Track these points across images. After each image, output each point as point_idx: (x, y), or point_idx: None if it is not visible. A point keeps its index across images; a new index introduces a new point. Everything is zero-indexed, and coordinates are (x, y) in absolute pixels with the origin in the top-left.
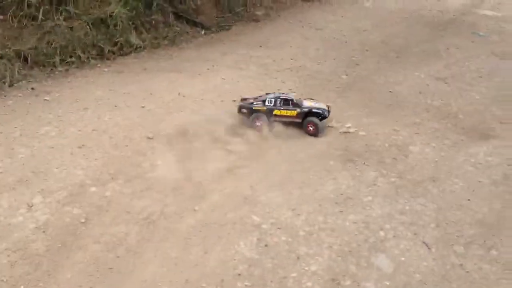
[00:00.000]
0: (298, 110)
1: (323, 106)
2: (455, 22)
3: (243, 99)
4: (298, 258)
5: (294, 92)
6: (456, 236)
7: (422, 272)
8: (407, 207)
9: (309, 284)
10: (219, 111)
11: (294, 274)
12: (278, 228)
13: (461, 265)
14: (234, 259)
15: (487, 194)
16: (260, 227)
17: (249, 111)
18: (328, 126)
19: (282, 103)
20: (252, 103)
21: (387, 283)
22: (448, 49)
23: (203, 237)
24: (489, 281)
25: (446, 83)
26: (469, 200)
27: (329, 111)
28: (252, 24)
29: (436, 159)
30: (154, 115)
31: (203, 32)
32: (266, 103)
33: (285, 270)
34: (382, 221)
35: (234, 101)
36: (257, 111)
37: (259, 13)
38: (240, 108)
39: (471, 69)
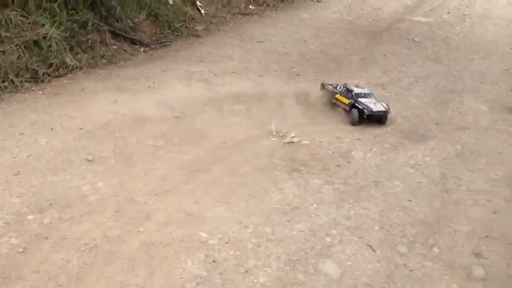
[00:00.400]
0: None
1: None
2: (391, 29)
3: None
4: (246, 271)
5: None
6: (399, 236)
7: (368, 274)
8: (351, 212)
9: None
10: (161, 127)
11: None
12: (226, 243)
13: (404, 264)
14: (182, 278)
15: (427, 194)
16: (207, 243)
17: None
18: (271, 138)
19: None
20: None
21: None
22: (385, 56)
23: (148, 258)
24: (432, 278)
25: (384, 89)
26: (410, 201)
27: (385, 111)
28: (192, 39)
29: (378, 163)
30: (93, 137)
31: (142, 50)
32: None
33: (233, 284)
34: (328, 228)
35: (176, 117)
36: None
37: (199, 28)
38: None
39: (407, 75)
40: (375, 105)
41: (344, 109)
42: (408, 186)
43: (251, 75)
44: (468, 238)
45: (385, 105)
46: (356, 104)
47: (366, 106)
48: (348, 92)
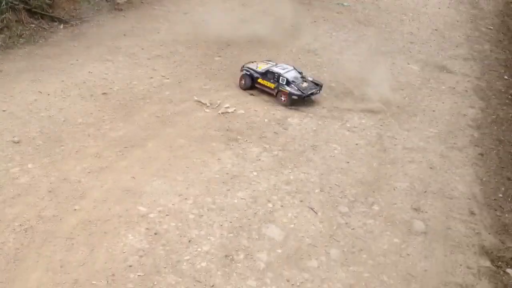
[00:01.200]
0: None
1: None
2: None
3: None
4: (189, 241)
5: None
6: (340, 197)
7: (311, 235)
8: (291, 177)
9: (203, 264)
10: (90, 105)
11: (187, 257)
12: (167, 215)
13: (346, 223)
14: (124, 252)
15: (364, 155)
16: (148, 216)
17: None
18: (205, 110)
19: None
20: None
21: (279, 251)
22: (315, 21)
23: (87, 235)
24: (374, 234)
25: (316, 54)
26: (348, 162)
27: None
28: (115, 13)
29: (315, 128)
30: (18, 118)
31: (61, 27)
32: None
33: (177, 254)
34: (269, 194)
35: (104, 93)
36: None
37: (120, 1)
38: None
39: (339, 39)
40: (305, 85)
41: (270, 93)
42: (345, 149)
43: (179, 48)
44: (407, 195)
45: (314, 80)
46: (288, 89)
47: (297, 89)
48: (272, 75)
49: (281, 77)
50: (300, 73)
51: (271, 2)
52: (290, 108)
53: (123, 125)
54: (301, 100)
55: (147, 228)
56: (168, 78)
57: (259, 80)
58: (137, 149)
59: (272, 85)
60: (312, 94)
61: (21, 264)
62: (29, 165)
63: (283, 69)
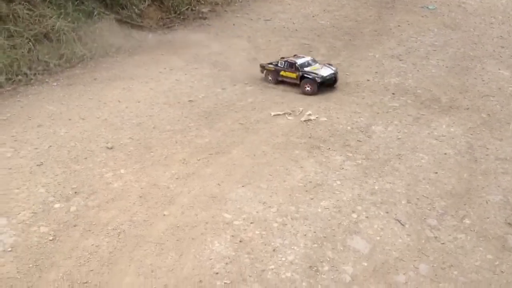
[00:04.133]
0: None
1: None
2: None
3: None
4: (274, 250)
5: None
6: (428, 210)
7: (399, 249)
8: (376, 187)
9: (288, 274)
10: (177, 112)
11: (272, 266)
12: (251, 223)
13: (436, 237)
14: (210, 259)
15: (454, 165)
16: (233, 224)
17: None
18: (288, 117)
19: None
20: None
21: (365, 263)
22: (399, 26)
23: (176, 240)
24: (466, 250)
25: (400, 60)
26: (436, 173)
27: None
28: (199, 22)
29: (400, 137)
30: (111, 125)
31: (150, 36)
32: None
33: (262, 263)
34: (353, 204)
35: (191, 101)
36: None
37: (205, 10)
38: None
39: (424, 43)
40: (324, 70)
41: (294, 83)
42: (433, 158)
43: (260, 54)
44: (501, 208)
45: (332, 67)
46: (306, 75)
47: (316, 73)
48: (291, 66)
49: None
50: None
51: (353, 6)
52: (371, 114)
53: (208, 132)
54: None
55: (232, 236)
56: (250, 86)
57: (282, 73)
58: (221, 156)
59: (294, 75)
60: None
61: (114, 268)
62: (122, 171)
63: (300, 58)
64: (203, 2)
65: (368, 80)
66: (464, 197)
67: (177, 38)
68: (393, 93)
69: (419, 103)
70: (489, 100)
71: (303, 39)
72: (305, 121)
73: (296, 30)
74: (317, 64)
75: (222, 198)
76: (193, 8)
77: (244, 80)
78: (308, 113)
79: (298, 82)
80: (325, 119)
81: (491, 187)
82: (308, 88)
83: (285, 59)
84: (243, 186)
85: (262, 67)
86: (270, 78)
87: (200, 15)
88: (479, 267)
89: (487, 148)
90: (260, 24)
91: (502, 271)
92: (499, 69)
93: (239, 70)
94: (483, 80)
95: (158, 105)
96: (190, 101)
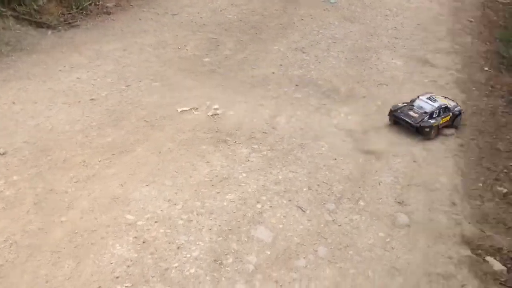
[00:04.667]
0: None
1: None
2: None
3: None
4: (178, 247)
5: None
6: (327, 195)
7: (300, 235)
8: (280, 177)
9: (192, 270)
10: (77, 112)
11: (176, 264)
12: (155, 222)
13: (333, 220)
14: (111, 263)
15: (351, 151)
16: (136, 224)
17: None
18: (194, 112)
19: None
20: None
21: (268, 252)
22: (303, 19)
23: (73, 247)
24: (360, 230)
25: (304, 52)
26: (335, 159)
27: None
28: (104, 17)
29: (302, 127)
30: (4, 129)
31: (49, 33)
32: None
33: (166, 262)
34: (258, 194)
35: (92, 99)
36: None
37: (109, 4)
38: None
39: (326, 36)
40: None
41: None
42: (333, 146)
43: (168, 49)
44: (391, 188)
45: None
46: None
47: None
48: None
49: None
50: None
51: (260, 1)
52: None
53: (111, 131)
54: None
55: (135, 237)
56: (156, 82)
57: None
58: (125, 155)
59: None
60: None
61: (5, 281)
62: (15, 177)
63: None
64: None
65: (273, 72)
66: (359, 181)
67: (79, 34)
68: (296, 85)
69: (320, 94)
70: (383, 88)
71: (210, 33)
72: (212, 115)
73: (204, 24)
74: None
75: (125, 199)
76: (97, 3)
77: (150, 76)
78: (214, 107)
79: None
80: (232, 112)
81: (383, 170)
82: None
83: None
84: (147, 185)
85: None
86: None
87: (105, 10)
88: (372, 245)
89: (381, 133)
90: (167, 18)
91: (392, 248)
92: (392, 59)
93: (144, 66)
94: (378, 70)
95: (57, 105)
96: (92, 99)
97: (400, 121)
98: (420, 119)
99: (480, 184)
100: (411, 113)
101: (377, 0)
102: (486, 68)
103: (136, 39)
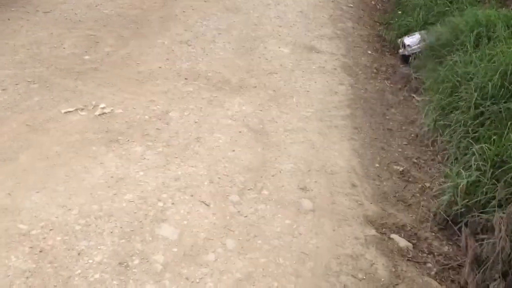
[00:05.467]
0: None
1: None
2: None
3: None
4: (79, 254)
5: None
6: (230, 187)
7: (206, 229)
8: (179, 172)
9: (96, 276)
10: None
11: (78, 271)
12: (51, 230)
13: (239, 211)
14: (8, 275)
15: (249, 141)
16: (30, 234)
17: None
18: (80, 113)
19: None
20: None
21: (175, 249)
22: (184, 12)
23: None
24: (266, 219)
25: (189, 45)
26: (233, 151)
27: None
28: None
29: (196, 120)
30: None
31: None
32: None
33: (67, 269)
34: (158, 192)
35: None
36: None
37: None
38: None
39: (210, 28)
40: None
41: None
42: (229, 137)
43: (43, 49)
44: (293, 175)
45: None
46: None
47: None
48: None
49: None
50: None
51: None
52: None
53: None
54: None
55: (30, 247)
56: (35, 83)
57: None
58: (9, 163)
59: None
60: None
61: None
62: None
63: None
64: None
65: (160, 67)
66: (260, 170)
67: None
68: (186, 78)
69: (211, 86)
70: (273, 77)
71: (88, 30)
72: (99, 115)
73: (80, 21)
74: None
75: (15, 209)
76: None
77: (27, 78)
78: (101, 106)
79: None
80: (121, 110)
81: (282, 157)
82: None
83: None
84: (37, 192)
85: None
86: None
87: None
88: (280, 232)
89: (276, 122)
90: (39, 17)
91: (300, 233)
92: (279, 47)
93: (19, 68)
94: (267, 59)
95: None
96: None
97: None
98: None
99: (377, 165)
100: None
101: None
102: (370, 52)
103: (7, 40)
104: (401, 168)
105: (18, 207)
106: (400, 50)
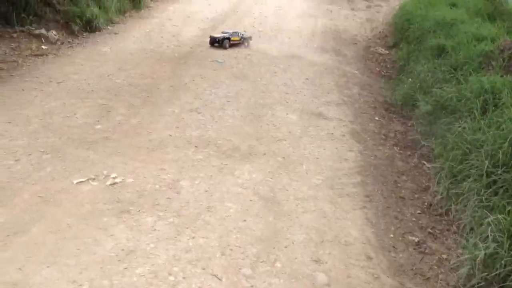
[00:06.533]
0: None
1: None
2: (194, 53)
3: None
4: None
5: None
6: (242, 259)
7: None
8: (190, 244)
9: None
10: None
11: None
12: None
13: (252, 286)
14: None
15: (260, 210)
16: None
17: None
18: (91, 183)
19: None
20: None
21: None
22: (193, 80)
23: None
24: None
25: (199, 113)
26: (245, 220)
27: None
28: None
29: (207, 189)
30: None
31: None
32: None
33: None
34: (169, 266)
35: None
36: None
37: None
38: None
39: (219, 95)
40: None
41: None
42: (240, 206)
43: (56, 119)
44: (306, 247)
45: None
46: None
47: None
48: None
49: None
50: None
51: (148, 64)
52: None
53: (3, 210)
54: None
55: None
56: (48, 153)
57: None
58: (21, 236)
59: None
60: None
61: None
62: None
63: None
64: None
65: (170, 135)
66: (272, 241)
67: None
68: (196, 146)
69: (221, 153)
70: (282, 144)
71: (100, 100)
72: (110, 185)
73: (92, 90)
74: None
75: (25, 285)
76: None
77: (40, 148)
78: (113, 175)
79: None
80: (132, 180)
81: (294, 227)
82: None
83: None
84: (48, 267)
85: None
86: None
87: None
88: None
89: (287, 190)
90: (52, 87)
91: None
92: (287, 114)
93: (33, 138)
94: (275, 126)
95: None
96: None
97: (214, 43)
98: (221, 37)
99: (392, 235)
100: (217, 35)
101: (263, 58)
102: (377, 118)
103: (21, 110)
104: (417, 239)
105: (29, 283)
106: None
